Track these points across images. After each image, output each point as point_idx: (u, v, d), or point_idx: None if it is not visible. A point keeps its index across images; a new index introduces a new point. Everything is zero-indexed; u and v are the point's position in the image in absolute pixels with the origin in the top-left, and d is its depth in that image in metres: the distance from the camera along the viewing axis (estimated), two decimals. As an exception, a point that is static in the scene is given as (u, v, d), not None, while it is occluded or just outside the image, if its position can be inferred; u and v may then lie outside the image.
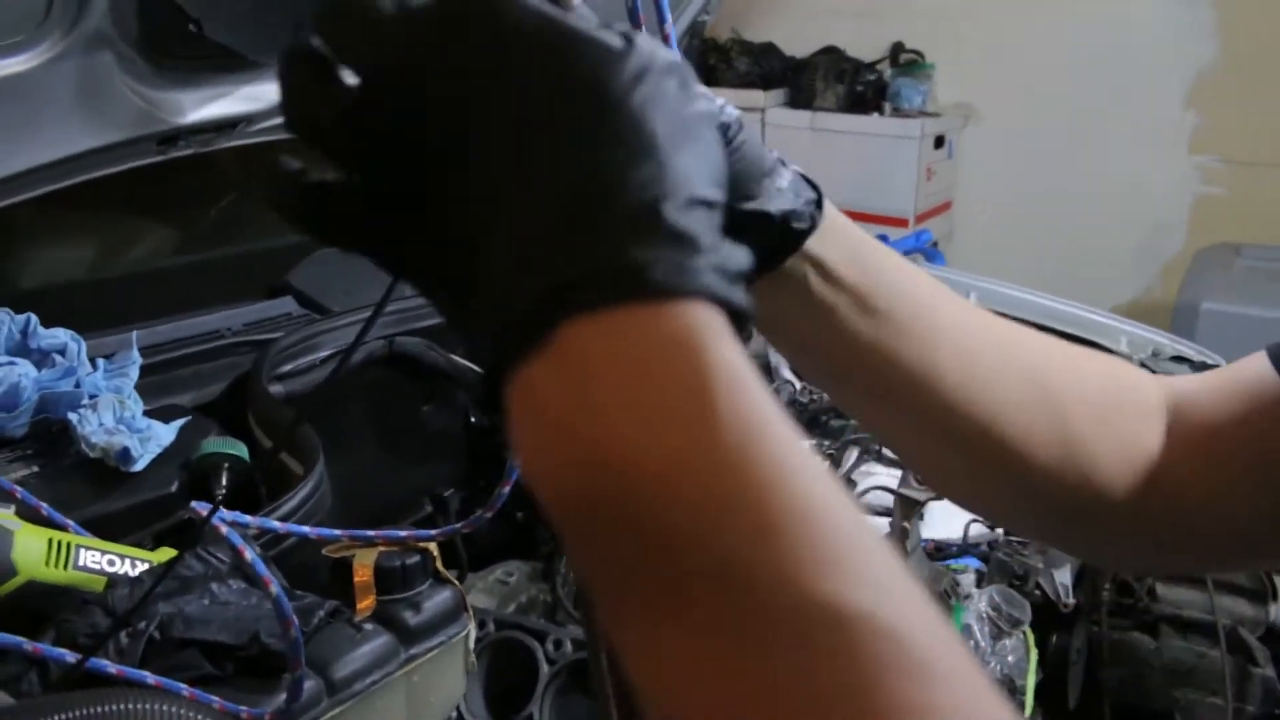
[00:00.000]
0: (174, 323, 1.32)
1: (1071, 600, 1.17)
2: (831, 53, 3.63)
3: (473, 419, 1.46)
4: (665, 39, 0.59)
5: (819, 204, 0.45)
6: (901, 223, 3.35)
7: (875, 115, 3.47)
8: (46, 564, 0.77)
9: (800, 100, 3.57)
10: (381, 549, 0.83)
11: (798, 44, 3.70)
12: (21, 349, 1.09)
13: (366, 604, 0.80)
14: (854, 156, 3.44)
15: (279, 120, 1.49)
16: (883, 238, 2.17)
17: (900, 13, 3.64)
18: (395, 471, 1.41)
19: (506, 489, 0.76)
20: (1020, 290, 1.75)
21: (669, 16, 0.60)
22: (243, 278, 1.55)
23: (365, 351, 1.30)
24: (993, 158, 3.65)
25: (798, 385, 1.54)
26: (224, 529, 0.69)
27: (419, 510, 1.41)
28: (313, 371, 1.26)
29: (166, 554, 0.84)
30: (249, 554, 0.68)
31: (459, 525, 0.82)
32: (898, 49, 3.64)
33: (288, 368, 1.25)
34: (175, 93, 1.20)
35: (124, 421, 1.02)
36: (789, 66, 3.64)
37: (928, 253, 2.07)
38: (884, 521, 1.19)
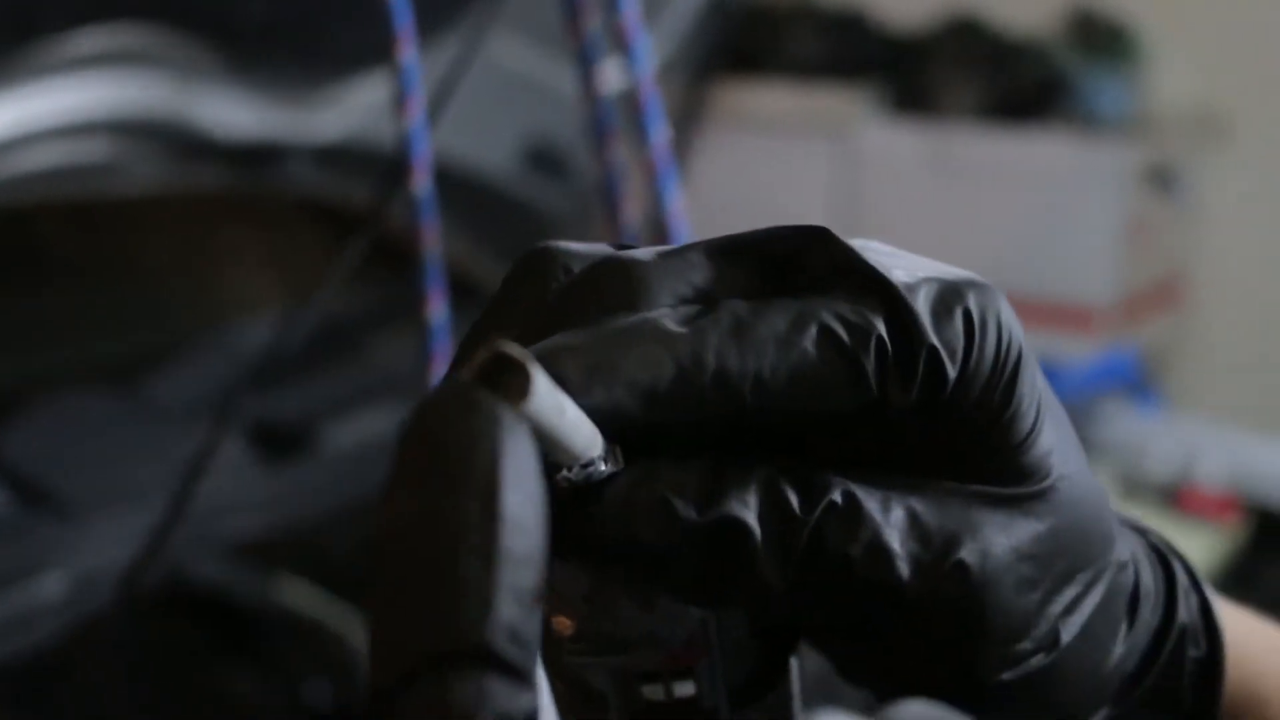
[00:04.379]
0: None
1: None
2: (967, 30, 3.74)
3: (303, 691, 1.49)
4: (620, 34, 0.67)
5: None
6: (1084, 323, 3.38)
7: (1042, 131, 3.56)
8: None
9: (909, 106, 3.67)
10: None
11: (907, 11, 3.82)
12: None
13: None
14: (1004, 201, 3.51)
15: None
16: (1046, 374, 2.20)
17: (1086, -49, 3.76)
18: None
19: None
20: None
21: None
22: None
23: (130, 587, 1.34)
24: (1258, 206, 3.74)
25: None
26: None
27: None
28: (33, 623, 1.29)
29: None
30: None
31: None
32: (1083, 17, 3.74)
33: (-11, 615, 1.28)
34: None
35: None
36: (892, 51, 3.76)
37: (1133, 387, 2.11)
38: None
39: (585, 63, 0.67)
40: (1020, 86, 3.60)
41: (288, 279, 2.10)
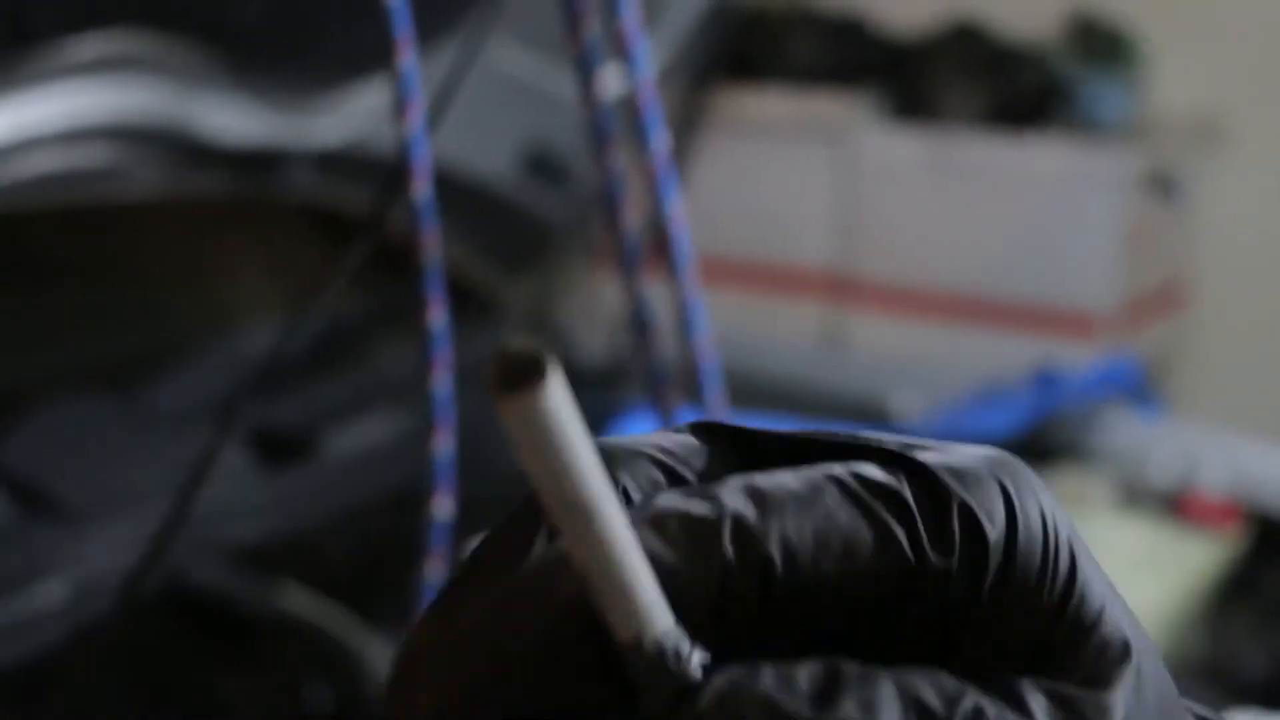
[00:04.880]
0: None
1: None
2: (966, 33, 3.75)
3: (304, 696, 1.49)
4: (620, 39, 0.67)
5: None
6: (1086, 330, 3.40)
7: (1042, 137, 3.58)
8: None
9: (909, 111, 3.68)
10: None
11: (906, 16, 3.83)
12: None
13: None
14: (1002, 211, 3.53)
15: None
16: (1047, 374, 2.22)
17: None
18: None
19: None
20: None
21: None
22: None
23: (131, 593, 1.34)
24: (1258, 212, 3.75)
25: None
26: None
27: None
28: (34, 627, 1.29)
29: None
30: None
31: None
32: (1083, 23, 3.76)
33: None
34: None
35: None
36: (890, 55, 3.77)
37: (1134, 394, 2.11)
38: None
39: (585, 68, 0.67)
40: (1020, 92, 3.62)
41: (288, 284, 2.10)
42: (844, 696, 0.35)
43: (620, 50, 0.67)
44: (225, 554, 1.46)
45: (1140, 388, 2.24)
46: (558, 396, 0.32)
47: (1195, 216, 3.77)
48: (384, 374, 1.93)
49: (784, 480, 0.38)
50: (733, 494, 0.37)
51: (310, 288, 0.82)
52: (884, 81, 3.74)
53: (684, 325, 0.67)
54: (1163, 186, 3.61)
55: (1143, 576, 1.59)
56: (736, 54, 3.54)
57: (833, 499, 0.37)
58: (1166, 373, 3.73)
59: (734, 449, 0.41)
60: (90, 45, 1.41)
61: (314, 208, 1.91)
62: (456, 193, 1.77)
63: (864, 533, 0.37)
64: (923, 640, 0.39)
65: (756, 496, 0.37)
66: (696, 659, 0.35)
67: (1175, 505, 1.73)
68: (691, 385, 0.69)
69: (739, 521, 0.36)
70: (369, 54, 1.61)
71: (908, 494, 0.38)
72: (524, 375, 0.31)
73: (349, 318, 1.94)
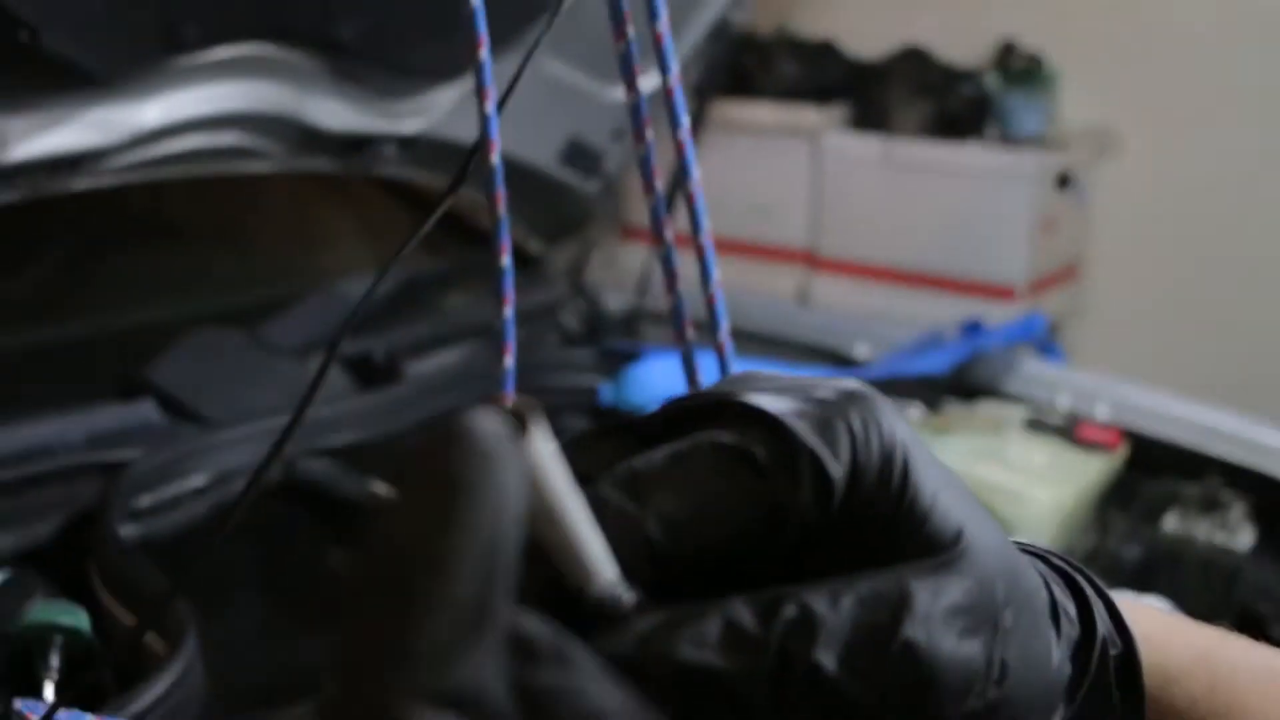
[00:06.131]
0: (-14, 434, 1.37)
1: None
2: (914, 56, 3.75)
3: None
4: (658, 41, 0.68)
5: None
6: (1006, 294, 3.42)
7: (974, 143, 3.57)
8: None
9: (869, 120, 3.68)
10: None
11: (866, 42, 3.82)
12: None
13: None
14: (941, 201, 3.53)
15: (137, 156, 1.57)
16: (974, 327, 2.24)
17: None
18: (292, 640, 1.43)
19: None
20: (1172, 400, 1.82)
21: (663, 11, 0.68)
22: (83, 371, 1.61)
23: (256, 482, 1.36)
24: (1141, 205, 3.75)
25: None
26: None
27: (323, 692, 1.45)
28: (182, 507, 1.30)
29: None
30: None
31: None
32: (1007, 50, 3.75)
33: (147, 501, 1.30)
34: (-4, 120, 1.29)
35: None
36: (854, 74, 3.76)
37: (1041, 344, 2.12)
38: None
39: (627, 63, 0.68)
40: (957, 106, 3.61)
41: (376, 245, 2.11)
42: (683, 630, 0.36)
43: (656, 49, 0.68)
44: (329, 454, 1.47)
45: (1046, 339, 2.25)
46: (541, 439, 0.33)
47: (1091, 208, 3.77)
48: (451, 318, 1.93)
49: (657, 460, 0.38)
50: (611, 489, 0.37)
51: (394, 248, 0.83)
52: (849, 95, 3.74)
53: (701, 273, 0.68)
54: (1067, 184, 3.62)
55: (1046, 485, 1.61)
56: (733, 71, 3.55)
57: (698, 468, 0.38)
58: (1066, 328, 3.75)
59: (634, 436, 0.41)
60: (226, 53, 1.42)
61: (397, 184, 1.92)
62: (512, 175, 1.77)
63: (726, 493, 0.37)
64: (797, 557, 0.39)
65: (632, 484, 0.37)
66: (627, 598, 0.37)
67: (1072, 430, 1.74)
68: (708, 325, 0.71)
69: (619, 512, 0.37)
70: (442, 64, 1.62)
71: (759, 452, 0.38)
72: (517, 425, 0.33)
73: (424, 274, 1.95)
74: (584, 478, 0.37)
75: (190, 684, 1.00)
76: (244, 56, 1.45)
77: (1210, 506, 1.64)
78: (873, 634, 0.37)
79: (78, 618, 1.05)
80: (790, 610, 0.37)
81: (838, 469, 0.38)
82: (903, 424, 0.40)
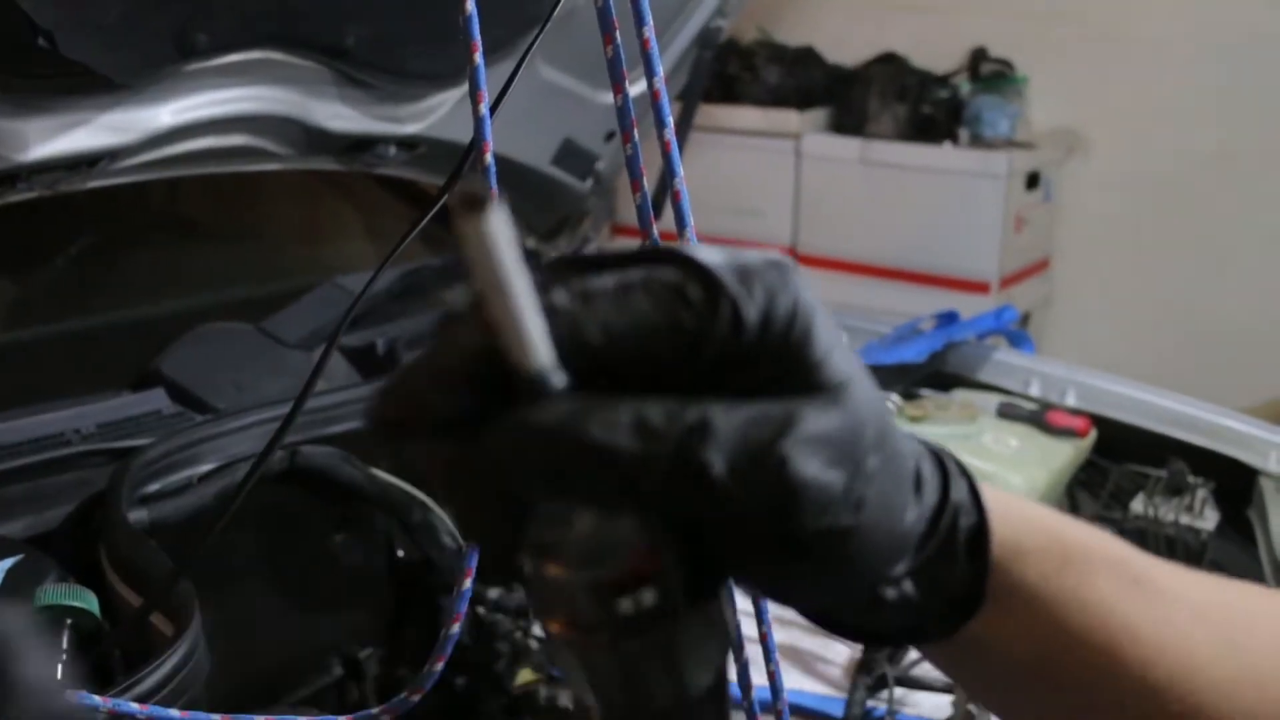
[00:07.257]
0: (1, 422, 1.35)
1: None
2: (890, 61, 3.74)
3: (400, 553, 1.50)
4: (645, 47, 0.66)
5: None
6: (981, 288, 3.42)
7: (948, 145, 3.57)
8: None
9: (847, 124, 3.67)
10: (273, 739, 0.85)
11: (846, 49, 3.81)
12: None
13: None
14: (918, 200, 3.52)
15: (151, 156, 1.56)
16: (950, 315, 2.23)
17: (982, 9, 3.76)
18: (296, 622, 1.43)
19: (441, 664, 0.80)
20: (1137, 388, 1.81)
21: (649, 18, 0.66)
22: (97, 361, 1.60)
23: (260, 467, 1.34)
24: (1106, 203, 3.75)
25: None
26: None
27: (327, 673, 1.44)
28: (189, 492, 1.29)
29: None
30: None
31: (375, 711, 0.85)
32: (979, 57, 3.75)
33: (155, 486, 1.28)
34: (15, 121, 1.28)
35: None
36: (834, 79, 3.75)
37: (1011, 335, 2.11)
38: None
39: (615, 68, 0.66)
40: (931, 110, 3.62)
41: (376, 241, 2.10)
42: (598, 413, 0.40)
43: (642, 54, 0.67)
44: (331, 441, 1.45)
45: (1016, 330, 2.25)
46: (497, 218, 0.37)
47: (1058, 206, 3.78)
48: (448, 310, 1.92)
49: (606, 282, 0.42)
50: (563, 295, 0.41)
51: (393, 244, 0.82)
52: (829, 100, 3.73)
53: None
54: (1036, 184, 3.63)
55: (1019, 469, 1.60)
56: (718, 76, 3.55)
57: (640, 293, 0.41)
58: (1041, 314, 3.76)
59: (594, 266, 0.44)
60: (237, 59, 1.41)
61: (399, 182, 1.91)
62: (510, 175, 1.77)
63: (660, 316, 0.41)
64: (710, 386, 0.42)
65: (583, 296, 0.41)
66: (556, 380, 0.40)
67: (1043, 417, 1.73)
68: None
69: (566, 313, 0.41)
70: (441, 69, 1.61)
71: (692, 289, 0.41)
72: (476, 204, 0.36)
73: (425, 268, 1.94)
74: (544, 287, 0.41)
75: (195, 663, 0.99)
76: (253, 61, 1.44)
77: (1176, 490, 1.64)
78: (757, 445, 0.41)
79: (87, 600, 1.05)
80: (693, 414, 0.40)
81: (752, 311, 0.42)
82: (811, 291, 0.44)
